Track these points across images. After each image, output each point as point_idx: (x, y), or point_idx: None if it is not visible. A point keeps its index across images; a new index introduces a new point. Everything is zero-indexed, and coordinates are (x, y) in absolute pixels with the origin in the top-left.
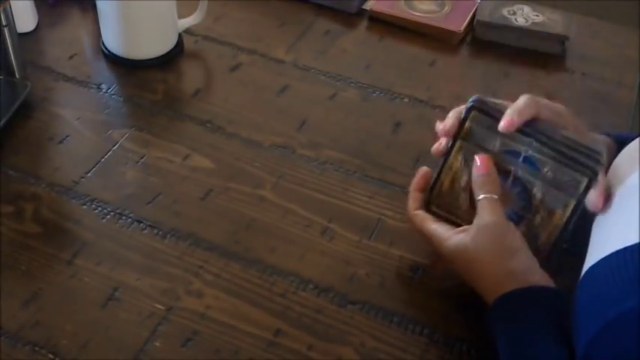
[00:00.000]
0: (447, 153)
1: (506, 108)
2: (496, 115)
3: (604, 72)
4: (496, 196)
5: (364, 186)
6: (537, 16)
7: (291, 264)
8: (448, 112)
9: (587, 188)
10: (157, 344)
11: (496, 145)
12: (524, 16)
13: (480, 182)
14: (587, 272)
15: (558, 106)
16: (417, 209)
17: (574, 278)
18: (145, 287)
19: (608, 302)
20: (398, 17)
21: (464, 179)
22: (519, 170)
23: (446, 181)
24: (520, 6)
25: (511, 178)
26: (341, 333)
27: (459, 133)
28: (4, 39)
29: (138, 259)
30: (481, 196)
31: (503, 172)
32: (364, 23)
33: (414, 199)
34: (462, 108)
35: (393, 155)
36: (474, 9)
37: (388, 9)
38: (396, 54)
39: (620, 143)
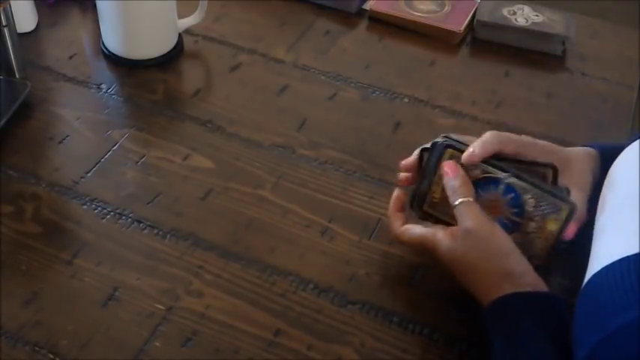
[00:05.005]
0: (426, 164)
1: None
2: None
3: (604, 72)
4: (472, 199)
5: (364, 186)
6: (537, 16)
7: (291, 264)
8: (448, 112)
9: (571, 214)
10: (157, 344)
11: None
12: (524, 16)
13: (452, 188)
14: (588, 281)
15: (523, 139)
16: (401, 226)
17: (574, 280)
18: (145, 287)
19: (610, 312)
20: (398, 17)
21: None
22: (510, 177)
23: (437, 192)
24: (520, 6)
25: (503, 185)
26: (341, 333)
27: (435, 169)
28: (4, 39)
29: (138, 259)
30: (457, 202)
31: (494, 179)
32: (364, 23)
33: (395, 218)
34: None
35: (393, 155)
36: (474, 9)
37: (388, 9)
38: (396, 54)
39: (604, 153)
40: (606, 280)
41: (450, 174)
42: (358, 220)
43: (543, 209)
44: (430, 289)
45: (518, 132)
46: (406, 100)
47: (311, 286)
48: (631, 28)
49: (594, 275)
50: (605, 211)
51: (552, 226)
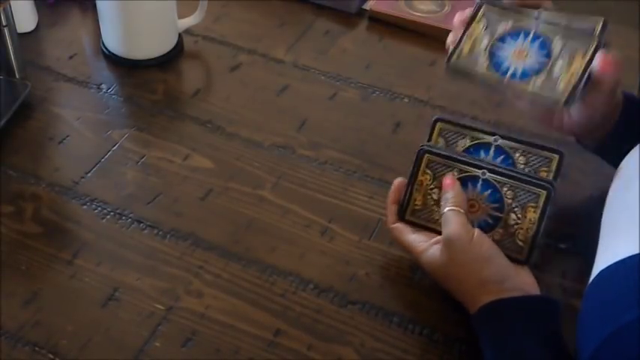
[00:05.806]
0: (413, 169)
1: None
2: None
3: None
4: (461, 210)
5: (364, 186)
6: None
7: (291, 264)
8: (448, 112)
9: (548, 198)
10: (157, 344)
11: (456, 168)
12: None
13: (446, 198)
14: (596, 277)
15: None
16: (395, 222)
17: (575, 280)
18: (145, 287)
19: (616, 309)
20: (398, 17)
21: (435, 193)
22: (487, 174)
23: (418, 198)
24: None
25: (480, 182)
26: (341, 333)
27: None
28: (4, 39)
29: (138, 259)
30: (446, 209)
31: (471, 177)
32: (364, 23)
33: (391, 212)
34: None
35: (393, 155)
36: None
37: (388, 9)
38: (396, 54)
39: (628, 102)
40: (614, 277)
41: (449, 187)
42: (358, 220)
43: (521, 199)
44: (430, 289)
45: (519, 132)
46: (406, 100)
47: (311, 286)
48: (631, 28)
49: (602, 271)
50: (614, 207)
51: (532, 215)
